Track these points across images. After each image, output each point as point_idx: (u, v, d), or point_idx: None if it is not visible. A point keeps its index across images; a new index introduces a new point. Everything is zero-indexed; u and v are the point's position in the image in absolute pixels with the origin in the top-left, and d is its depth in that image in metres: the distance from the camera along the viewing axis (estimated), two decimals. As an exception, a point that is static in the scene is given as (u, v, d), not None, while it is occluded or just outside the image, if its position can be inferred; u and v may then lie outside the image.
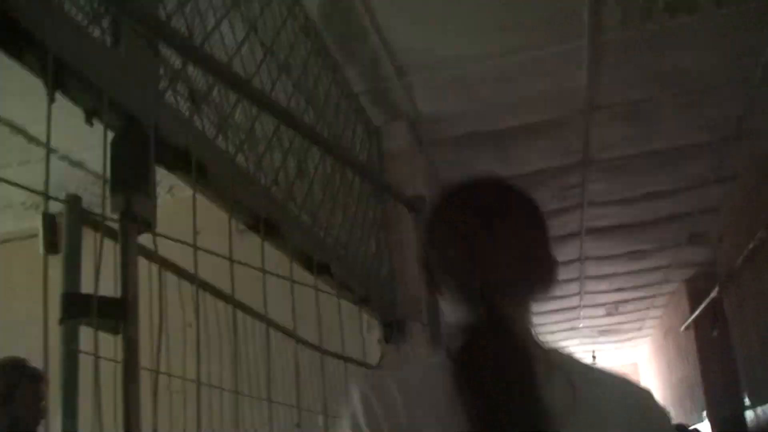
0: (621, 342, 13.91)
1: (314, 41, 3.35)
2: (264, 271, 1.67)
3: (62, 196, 1.62)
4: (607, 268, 8.67)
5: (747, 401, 7.56)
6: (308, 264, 2.48)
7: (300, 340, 2.30)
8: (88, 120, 1.37)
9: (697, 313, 9.00)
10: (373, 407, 1.09)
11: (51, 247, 1.65)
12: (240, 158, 2.03)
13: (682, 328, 9.82)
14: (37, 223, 1.67)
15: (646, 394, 1.19)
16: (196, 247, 1.45)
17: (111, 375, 1.36)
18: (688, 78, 4.46)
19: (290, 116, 1.94)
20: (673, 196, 6.50)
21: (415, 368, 1.21)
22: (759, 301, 6.88)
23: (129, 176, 1.40)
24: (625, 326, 12.37)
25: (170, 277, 1.81)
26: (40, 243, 1.66)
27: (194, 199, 1.63)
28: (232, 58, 2.14)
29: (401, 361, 3.38)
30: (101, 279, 1.45)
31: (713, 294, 8.18)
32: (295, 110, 2.75)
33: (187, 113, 1.77)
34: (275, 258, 2.22)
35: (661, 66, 4.30)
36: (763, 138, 5.38)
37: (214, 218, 1.81)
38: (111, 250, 1.49)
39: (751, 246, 6.34)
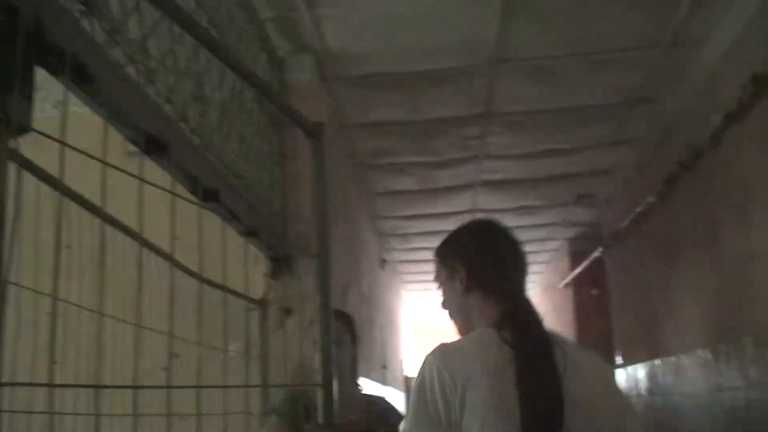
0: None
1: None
2: (142, 181, 1.56)
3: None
4: (495, 222, 8.77)
5: (620, 360, 7.85)
6: (196, 189, 2.37)
7: (177, 264, 2.19)
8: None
9: (578, 271, 9.25)
10: (443, 374, 1.63)
11: None
12: (132, 71, 1.90)
13: (561, 284, 10.09)
14: None
15: (608, 365, 1.82)
16: (63, 144, 1.34)
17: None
18: (599, 39, 4.47)
19: (191, 22, 1.81)
20: (568, 155, 6.59)
21: (470, 340, 1.74)
22: (639, 265, 7.11)
23: (4, 72, 1.28)
24: (508, 279, 12.61)
25: (50, 198, 1.71)
26: None
27: (65, 104, 1.50)
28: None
29: (287, 296, 3.32)
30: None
31: (596, 253, 8.41)
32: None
33: (77, 14, 1.63)
34: (166, 185, 2.11)
35: (573, 25, 4.30)
36: (662, 105, 5.48)
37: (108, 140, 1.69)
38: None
39: (638, 210, 6.51)
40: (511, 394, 1.59)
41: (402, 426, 2.12)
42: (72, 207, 1.91)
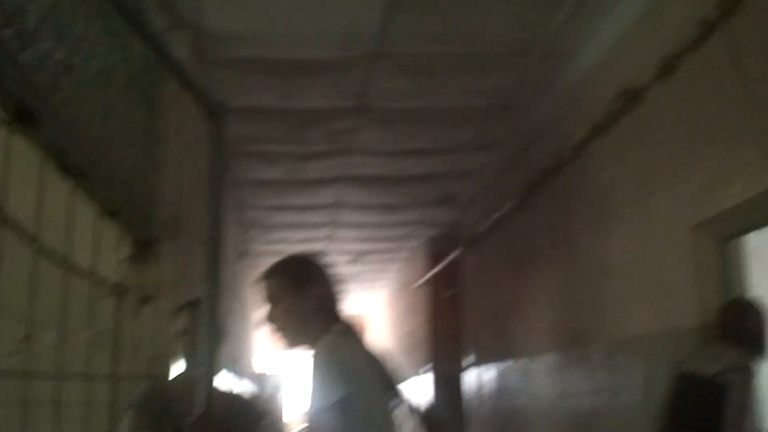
0: (357, 292, 14.29)
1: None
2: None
3: None
4: (358, 217, 8.81)
5: (473, 359, 8.01)
6: (66, 165, 2.24)
7: (37, 245, 2.07)
8: None
9: (435, 271, 9.39)
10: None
11: None
12: (5, 33, 1.77)
13: (418, 284, 10.22)
14: None
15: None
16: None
17: None
18: (475, 42, 4.54)
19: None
20: (434, 155, 6.68)
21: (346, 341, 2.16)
22: (495, 269, 7.28)
23: None
24: (365, 276, 12.71)
25: None
26: None
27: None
28: None
29: (151, 282, 3.20)
30: None
31: (454, 255, 8.56)
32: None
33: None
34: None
35: (453, 25, 4.33)
36: (529, 112, 5.62)
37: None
38: None
39: (498, 214, 6.66)
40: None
41: None
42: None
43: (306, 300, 2.24)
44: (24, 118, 1.88)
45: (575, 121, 4.89)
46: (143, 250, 3.31)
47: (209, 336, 2.05)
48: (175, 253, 3.52)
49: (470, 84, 5.18)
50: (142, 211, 3.36)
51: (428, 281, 9.78)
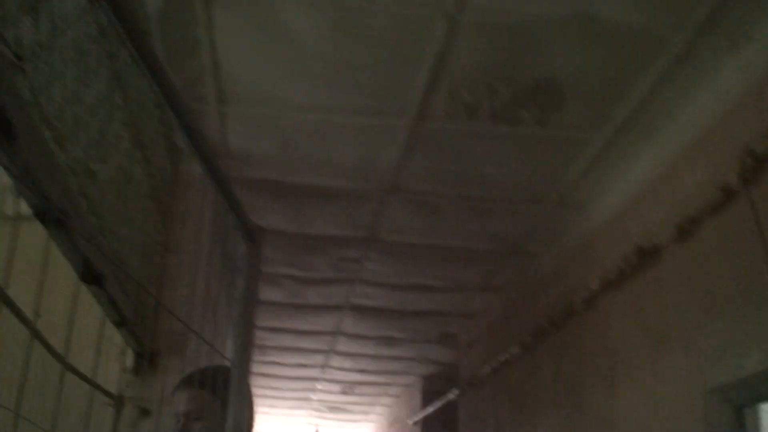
0: (346, 422, 13.99)
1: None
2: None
3: None
4: (356, 347, 8.71)
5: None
6: (84, 270, 2.21)
7: (38, 337, 2.01)
8: None
9: (429, 410, 9.20)
10: None
11: None
12: (48, 134, 1.77)
13: (411, 422, 9.99)
14: None
15: None
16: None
17: None
18: (488, 185, 4.58)
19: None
20: (438, 292, 6.65)
21: None
22: (493, 415, 7.12)
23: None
24: (356, 407, 12.47)
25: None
26: None
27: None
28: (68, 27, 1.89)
29: (147, 396, 3.12)
30: None
31: (451, 395, 8.40)
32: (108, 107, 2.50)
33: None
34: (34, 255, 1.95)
35: (469, 167, 4.38)
36: (537, 259, 5.62)
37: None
38: None
39: (500, 358, 6.56)
40: None
41: None
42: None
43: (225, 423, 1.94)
44: (56, 218, 1.86)
45: (586, 272, 4.87)
46: (147, 361, 3.24)
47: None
48: (179, 367, 3.44)
49: (480, 226, 5.19)
50: (149, 323, 3.31)
51: (421, 420, 9.56)
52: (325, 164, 4.51)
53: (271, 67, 3.60)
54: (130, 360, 3.16)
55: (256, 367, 9.73)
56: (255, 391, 8.46)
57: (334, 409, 12.62)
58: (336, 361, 9.38)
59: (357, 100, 3.82)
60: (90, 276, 2.23)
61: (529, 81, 3.60)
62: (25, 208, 1.83)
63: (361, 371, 9.87)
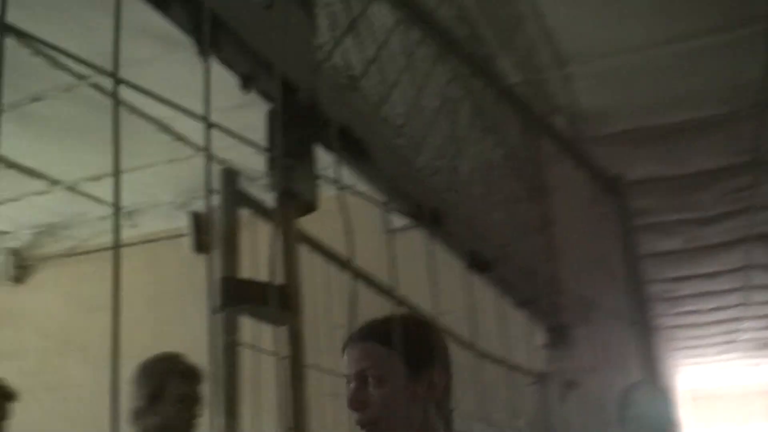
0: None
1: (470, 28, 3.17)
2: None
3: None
4: (773, 278, 8.11)
5: None
6: (470, 261, 2.29)
7: (465, 344, 2.11)
8: (246, 85, 1.22)
9: None
10: None
11: (200, 246, 1.53)
12: (400, 141, 1.87)
13: None
14: (183, 223, 1.56)
15: None
16: (349, 229, 1.28)
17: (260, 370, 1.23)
18: None
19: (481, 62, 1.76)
20: None
21: None
22: None
23: (289, 150, 1.25)
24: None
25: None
26: (188, 241, 1.55)
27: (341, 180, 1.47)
28: (389, 37, 1.98)
29: (571, 367, 3.15)
30: (243, 268, 1.33)
31: None
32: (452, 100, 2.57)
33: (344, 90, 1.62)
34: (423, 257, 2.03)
35: None
36: None
37: (362, 219, 1.64)
38: (260, 235, 1.37)
39: None
40: None
41: None
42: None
43: (417, 387, 1.56)
44: (431, 219, 1.94)
45: None
46: (558, 336, 3.28)
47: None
48: (590, 336, 3.44)
49: None
50: (550, 298, 3.35)
51: None
52: (682, 97, 4.28)
53: (600, 13, 3.50)
54: (539, 337, 3.21)
55: (670, 320, 9.47)
56: (681, 344, 8.29)
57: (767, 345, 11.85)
58: (757, 295, 8.79)
59: (698, 20, 3.58)
60: (478, 264, 2.30)
61: None
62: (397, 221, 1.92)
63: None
